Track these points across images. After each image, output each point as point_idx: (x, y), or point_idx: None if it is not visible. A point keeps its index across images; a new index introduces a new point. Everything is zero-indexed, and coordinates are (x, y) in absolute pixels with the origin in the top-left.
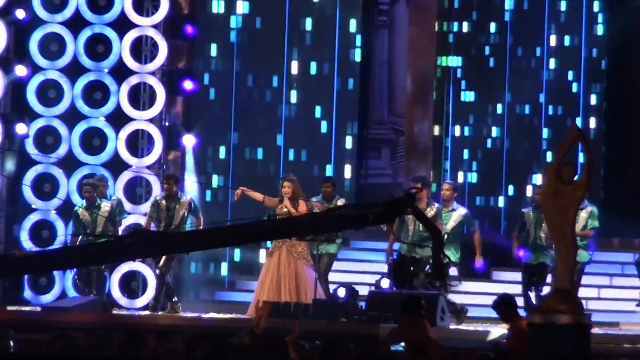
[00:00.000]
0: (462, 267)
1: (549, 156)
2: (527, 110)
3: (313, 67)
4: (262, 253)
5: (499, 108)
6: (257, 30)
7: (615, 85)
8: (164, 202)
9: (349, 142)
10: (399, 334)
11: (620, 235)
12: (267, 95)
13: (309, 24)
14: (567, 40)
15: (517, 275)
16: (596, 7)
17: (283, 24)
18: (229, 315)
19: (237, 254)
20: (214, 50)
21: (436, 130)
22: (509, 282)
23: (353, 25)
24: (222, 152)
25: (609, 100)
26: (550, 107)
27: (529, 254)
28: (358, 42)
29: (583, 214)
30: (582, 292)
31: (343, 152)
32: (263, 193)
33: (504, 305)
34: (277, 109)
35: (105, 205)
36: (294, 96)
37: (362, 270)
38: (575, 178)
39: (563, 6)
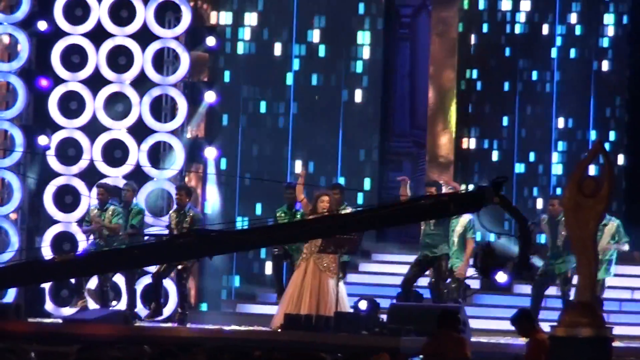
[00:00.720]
0: (484, 280)
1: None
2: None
3: (333, 79)
4: (268, 265)
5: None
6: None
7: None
8: (174, 214)
9: (370, 155)
10: (435, 347)
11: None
12: (292, 107)
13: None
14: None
15: None
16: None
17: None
18: (250, 328)
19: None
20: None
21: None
22: (530, 296)
23: (374, 37)
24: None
25: (630, 113)
26: (568, 121)
27: (546, 265)
28: (379, 54)
29: (608, 229)
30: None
31: (364, 164)
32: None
33: (522, 320)
34: (299, 121)
35: (109, 210)
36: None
37: (383, 283)
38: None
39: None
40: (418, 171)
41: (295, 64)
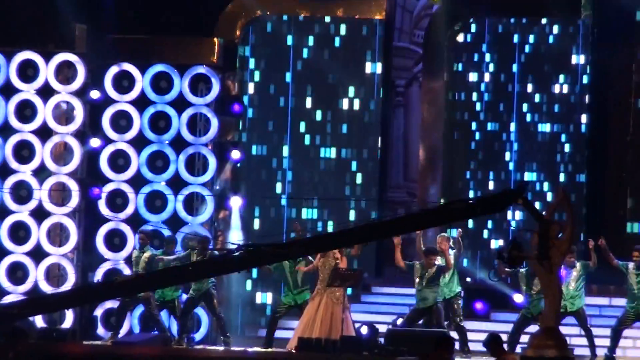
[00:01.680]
0: (465, 309)
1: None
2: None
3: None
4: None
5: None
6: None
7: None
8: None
9: (372, 203)
10: None
11: (598, 283)
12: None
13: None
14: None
15: (512, 316)
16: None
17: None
18: (270, 350)
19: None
20: None
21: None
22: (505, 322)
23: (374, 104)
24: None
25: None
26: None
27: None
28: (379, 118)
29: (575, 272)
30: (565, 330)
31: (365, 212)
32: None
33: (492, 343)
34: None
35: (147, 255)
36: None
37: (381, 311)
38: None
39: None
40: None
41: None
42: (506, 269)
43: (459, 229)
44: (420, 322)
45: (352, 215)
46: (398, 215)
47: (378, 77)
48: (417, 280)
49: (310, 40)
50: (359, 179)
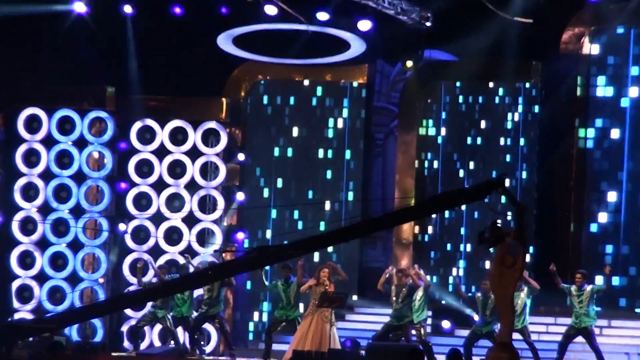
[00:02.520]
0: (433, 327)
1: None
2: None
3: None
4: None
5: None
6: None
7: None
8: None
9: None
10: None
11: (545, 304)
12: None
13: (321, 153)
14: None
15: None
16: None
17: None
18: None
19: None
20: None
21: (416, 229)
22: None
23: (353, 154)
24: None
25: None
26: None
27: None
28: (358, 166)
29: (522, 295)
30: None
31: (351, 245)
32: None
33: (454, 357)
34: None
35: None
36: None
37: (363, 328)
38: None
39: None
40: (388, 249)
41: None
42: (483, 251)
43: (415, 265)
44: (390, 336)
45: (341, 248)
46: (390, 212)
47: (361, 131)
48: (393, 299)
49: (302, 100)
50: (343, 215)
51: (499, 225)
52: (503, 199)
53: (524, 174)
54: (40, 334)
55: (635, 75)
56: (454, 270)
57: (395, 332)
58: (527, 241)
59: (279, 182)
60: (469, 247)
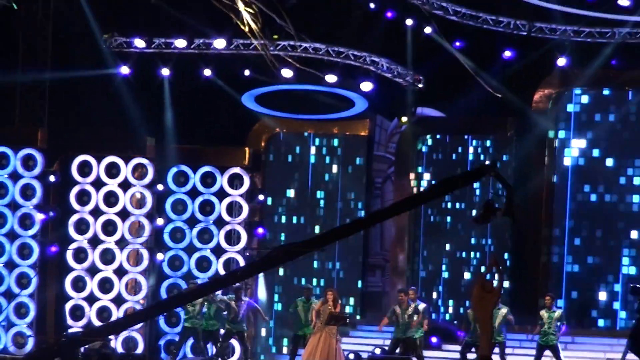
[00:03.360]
0: (423, 342)
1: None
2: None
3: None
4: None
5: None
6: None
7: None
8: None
9: (357, 267)
10: None
11: (519, 324)
12: None
13: (329, 194)
14: None
15: (457, 347)
16: None
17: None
18: None
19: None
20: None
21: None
22: (452, 352)
23: (359, 196)
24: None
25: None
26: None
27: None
28: (360, 205)
29: (502, 311)
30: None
31: (353, 273)
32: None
33: None
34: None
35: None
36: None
37: (364, 343)
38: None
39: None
40: (385, 276)
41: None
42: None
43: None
44: (397, 350)
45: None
46: (397, 201)
47: (363, 178)
48: (400, 316)
49: (313, 150)
50: (346, 248)
51: (491, 204)
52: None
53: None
54: (91, 343)
55: (590, 129)
56: (434, 294)
57: (401, 344)
58: (516, 215)
59: (294, 219)
60: (446, 275)
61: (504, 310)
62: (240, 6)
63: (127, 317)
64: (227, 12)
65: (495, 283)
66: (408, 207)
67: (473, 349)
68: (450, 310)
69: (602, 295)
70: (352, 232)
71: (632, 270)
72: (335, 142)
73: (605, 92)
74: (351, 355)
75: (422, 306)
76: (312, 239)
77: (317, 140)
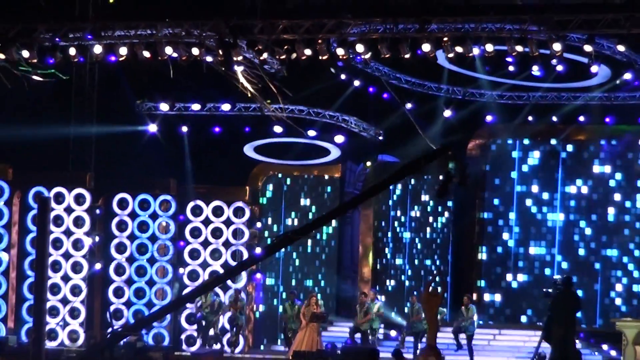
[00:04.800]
0: (384, 335)
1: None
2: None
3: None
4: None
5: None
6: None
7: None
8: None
9: (333, 279)
10: None
11: (493, 320)
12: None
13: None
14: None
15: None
16: None
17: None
18: (277, 356)
19: None
20: None
21: (371, 270)
22: (409, 342)
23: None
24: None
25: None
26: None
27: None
28: (333, 231)
29: (470, 310)
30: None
31: (330, 283)
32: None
33: (396, 354)
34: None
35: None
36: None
37: (339, 336)
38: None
39: None
40: (355, 284)
41: None
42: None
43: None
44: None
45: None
46: (373, 184)
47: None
48: (357, 312)
49: (298, 187)
50: (324, 263)
51: (450, 173)
52: None
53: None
54: (128, 336)
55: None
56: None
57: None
58: (466, 181)
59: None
60: (407, 283)
61: (473, 309)
62: (242, 79)
63: (157, 310)
64: (233, 82)
65: (439, 289)
66: (381, 188)
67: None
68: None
69: None
70: (335, 217)
71: None
72: (316, 181)
73: (525, 141)
74: (328, 345)
75: (377, 305)
76: (307, 225)
77: (301, 180)
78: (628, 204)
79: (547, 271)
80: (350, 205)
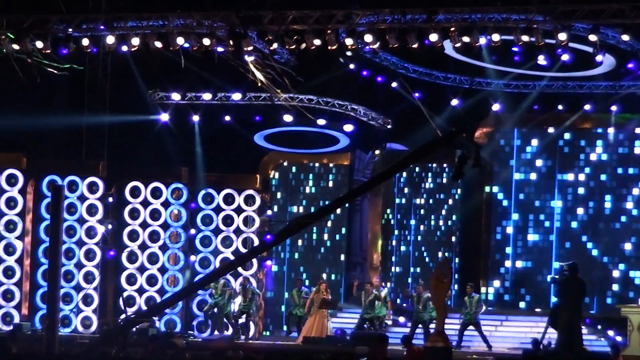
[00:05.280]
0: (392, 321)
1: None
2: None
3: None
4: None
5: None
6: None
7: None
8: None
9: (340, 265)
10: (376, 353)
11: (498, 306)
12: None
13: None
14: None
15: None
16: None
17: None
18: (288, 342)
19: None
20: None
21: (380, 257)
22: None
23: (342, 209)
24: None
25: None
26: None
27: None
28: (346, 216)
29: (475, 299)
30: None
31: (338, 270)
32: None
33: (405, 343)
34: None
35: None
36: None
37: (348, 322)
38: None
39: None
40: (365, 270)
41: None
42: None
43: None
44: (365, 326)
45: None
46: (390, 166)
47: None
48: (363, 301)
49: (311, 177)
50: (335, 250)
51: (465, 155)
52: None
53: (454, 217)
54: (141, 322)
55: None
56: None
57: (367, 322)
58: (481, 165)
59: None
60: (412, 270)
61: (476, 297)
62: (252, 68)
63: (169, 297)
64: (244, 72)
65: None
66: (396, 171)
67: (420, 326)
68: (413, 292)
69: None
70: (348, 201)
71: None
72: (325, 169)
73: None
74: (338, 331)
75: (384, 292)
76: (321, 210)
77: (311, 169)
78: (624, 191)
79: (546, 258)
80: (363, 189)
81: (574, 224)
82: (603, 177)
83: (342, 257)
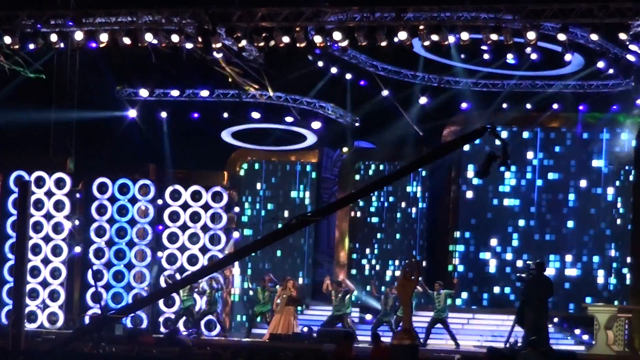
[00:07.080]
0: (360, 319)
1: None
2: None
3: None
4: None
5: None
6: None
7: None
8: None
9: (307, 262)
10: (343, 350)
11: (466, 305)
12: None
13: (288, 207)
14: None
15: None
16: None
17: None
18: (254, 339)
19: None
20: None
21: (347, 255)
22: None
23: (311, 207)
24: None
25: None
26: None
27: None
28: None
29: (444, 294)
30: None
31: (305, 268)
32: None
33: (374, 339)
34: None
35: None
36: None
37: (315, 319)
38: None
39: None
40: (331, 268)
41: None
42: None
43: (345, 279)
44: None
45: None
46: (401, 167)
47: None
48: (333, 299)
49: (278, 173)
50: (305, 246)
51: (493, 154)
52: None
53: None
54: (115, 321)
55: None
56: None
57: (336, 320)
58: (508, 160)
59: (261, 226)
60: (378, 267)
61: (444, 293)
62: (223, 65)
63: (146, 297)
64: (216, 68)
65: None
66: (418, 166)
67: (385, 324)
68: (382, 290)
69: None
70: (348, 203)
71: None
72: (293, 167)
73: (498, 128)
74: (304, 329)
75: (353, 292)
76: (319, 210)
77: (279, 166)
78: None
79: (511, 256)
80: (380, 184)
81: (535, 222)
82: (570, 174)
83: (312, 255)
